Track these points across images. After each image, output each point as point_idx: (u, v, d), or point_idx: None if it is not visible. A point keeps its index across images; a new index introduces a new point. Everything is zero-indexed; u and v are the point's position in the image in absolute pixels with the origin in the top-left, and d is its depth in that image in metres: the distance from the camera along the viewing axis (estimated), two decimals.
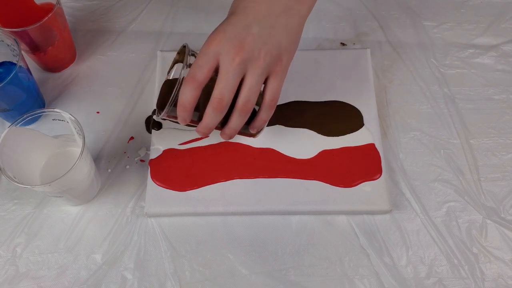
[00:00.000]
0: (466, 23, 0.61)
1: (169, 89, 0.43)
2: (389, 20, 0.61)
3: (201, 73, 0.39)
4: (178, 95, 0.41)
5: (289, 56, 0.42)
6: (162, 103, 0.44)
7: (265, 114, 0.43)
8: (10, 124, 0.44)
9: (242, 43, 0.39)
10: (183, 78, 0.41)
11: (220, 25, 0.41)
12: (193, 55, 0.43)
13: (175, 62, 0.46)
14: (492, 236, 0.49)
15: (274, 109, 0.43)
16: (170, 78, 0.46)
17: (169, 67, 0.47)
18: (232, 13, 0.41)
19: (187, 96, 0.39)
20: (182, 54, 0.43)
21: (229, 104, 0.40)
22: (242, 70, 0.39)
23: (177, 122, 0.43)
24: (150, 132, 0.54)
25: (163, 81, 0.47)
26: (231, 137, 0.45)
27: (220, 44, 0.39)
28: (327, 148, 0.52)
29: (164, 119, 0.45)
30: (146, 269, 0.47)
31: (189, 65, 0.42)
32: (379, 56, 0.59)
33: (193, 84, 0.39)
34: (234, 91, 0.40)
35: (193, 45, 0.59)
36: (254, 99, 0.40)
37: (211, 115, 0.40)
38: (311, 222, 0.50)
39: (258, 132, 0.46)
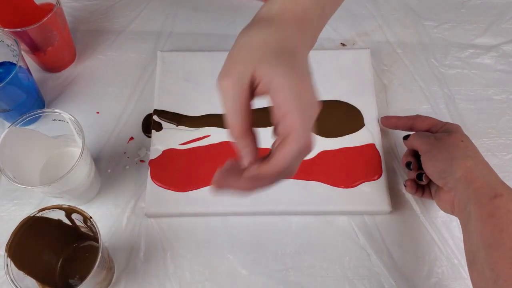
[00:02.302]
0: (466, 23, 0.61)
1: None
2: (389, 20, 0.61)
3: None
4: None
5: None
6: None
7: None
8: (10, 124, 0.44)
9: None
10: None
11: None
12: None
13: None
14: None
15: None
16: (39, 215, 0.41)
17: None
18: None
19: (294, 162, 0.32)
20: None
21: None
22: None
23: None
24: (146, 133, 0.54)
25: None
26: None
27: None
28: (327, 149, 0.52)
29: None
30: (146, 269, 0.47)
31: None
32: (379, 56, 0.59)
33: (308, 151, 0.32)
34: None
35: (193, 45, 0.60)
36: None
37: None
38: (311, 222, 0.49)
39: None
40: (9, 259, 0.38)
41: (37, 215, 0.40)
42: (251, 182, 0.32)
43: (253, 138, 0.34)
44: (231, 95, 0.32)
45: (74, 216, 0.42)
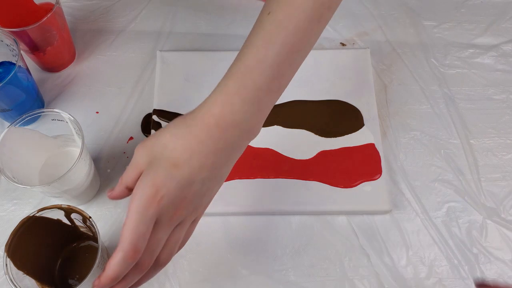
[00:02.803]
0: (466, 23, 0.61)
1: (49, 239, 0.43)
2: (389, 20, 0.61)
3: (144, 244, 0.33)
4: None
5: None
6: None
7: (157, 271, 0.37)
8: (9, 124, 0.44)
9: (183, 202, 0.34)
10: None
11: (160, 178, 0.33)
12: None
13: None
14: (492, 237, 0.49)
15: None
16: (39, 215, 0.40)
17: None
18: (174, 164, 0.33)
19: (123, 269, 0.33)
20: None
21: None
22: (175, 224, 0.35)
23: None
24: (146, 133, 0.54)
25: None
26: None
27: (162, 202, 0.33)
28: (326, 149, 0.51)
29: None
30: None
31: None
32: (379, 56, 0.59)
33: (135, 258, 0.33)
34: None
35: (193, 45, 0.60)
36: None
37: (134, 277, 0.35)
38: (311, 222, 0.49)
39: None
40: (8, 259, 0.38)
41: (37, 214, 0.40)
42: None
43: None
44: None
45: (73, 216, 0.42)
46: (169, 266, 0.47)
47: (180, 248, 0.37)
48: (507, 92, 0.57)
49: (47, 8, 0.51)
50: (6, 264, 0.38)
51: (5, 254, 0.39)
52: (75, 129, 0.45)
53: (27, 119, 0.44)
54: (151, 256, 0.34)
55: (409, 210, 0.50)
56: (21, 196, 0.51)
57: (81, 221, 0.42)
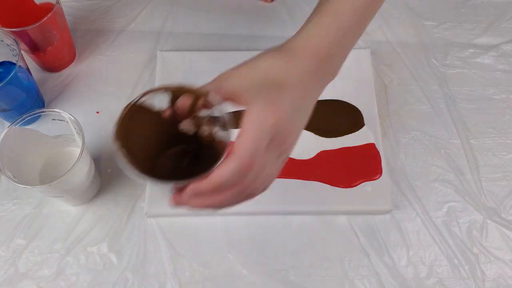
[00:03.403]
0: (466, 23, 0.61)
1: (158, 129, 0.36)
2: (389, 20, 0.61)
3: (257, 160, 0.31)
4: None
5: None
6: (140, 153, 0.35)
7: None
8: (9, 124, 0.44)
9: (291, 128, 0.33)
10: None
11: (276, 97, 0.32)
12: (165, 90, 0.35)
13: (164, 90, 0.36)
14: (493, 236, 0.49)
15: None
16: (140, 103, 0.36)
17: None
18: (282, 84, 0.33)
19: (230, 182, 0.31)
20: (183, 92, 0.35)
21: None
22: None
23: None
24: None
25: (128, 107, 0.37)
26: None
27: (276, 128, 0.32)
28: (327, 149, 0.51)
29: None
30: (146, 270, 0.47)
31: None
32: (379, 56, 0.59)
33: (248, 170, 0.31)
34: None
35: (193, 45, 0.60)
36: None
37: (234, 199, 0.34)
38: (311, 222, 0.49)
39: None
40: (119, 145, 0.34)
41: (141, 99, 0.35)
42: (195, 198, 0.33)
43: None
44: None
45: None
46: (169, 265, 0.47)
47: (265, 187, 0.35)
48: (507, 92, 0.57)
49: (48, 8, 0.51)
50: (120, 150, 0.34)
51: (116, 141, 0.34)
52: (75, 129, 0.45)
53: (27, 119, 0.44)
54: (255, 179, 0.32)
55: (409, 210, 0.50)
56: (21, 196, 0.51)
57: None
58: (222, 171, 0.31)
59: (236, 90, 0.33)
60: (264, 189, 0.35)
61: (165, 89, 0.35)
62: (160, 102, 0.36)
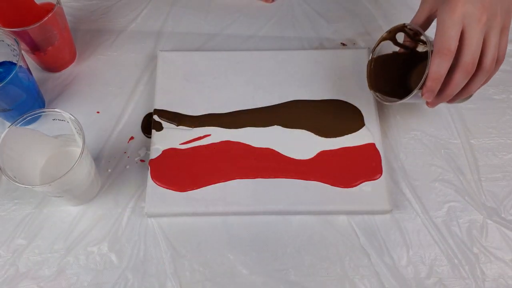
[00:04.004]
0: None
1: (394, 67, 0.50)
2: (389, 20, 0.61)
3: (454, 43, 0.40)
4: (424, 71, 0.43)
5: None
6: (388, 83, 0.50)
7: (497, 69, 0.44)
8: (10, 124, 0.44)
9: (483, 3, 0.40)
10: (430, 52, 0.43)
11: None
12: (403, 30, 0.48)
13: (383, 39, 0.49)
14: (493, 236, 0.49)
15: None
16: (375, 56, 0.50)
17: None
18: None
19: (442, 67, 0.41)
20: (393, 32, 0.48)
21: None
22: (485, 30, 0.41)
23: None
24: (146, 133, 0.54)
25: (368, 61, 0.50)
26: (446, 99, 0.45)
27: (464, 9, 0.40)
28: (327, 149, 0.52)
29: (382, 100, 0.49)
30: (146, 269, 0.47)
31: (402, 45, 0.49)
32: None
33: (449, 56, 0.41)
34: (480, 52, 0.41)
35: (193, 45, 0.60)
36: (497, 56, 0.42)
37: (461, 79, 0.42)
38: (311, 222, 0.49)
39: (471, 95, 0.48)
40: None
41: (374, 53, 0.49)
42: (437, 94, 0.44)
43: None
44: None
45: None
46: (170, 265, 0.47)
47: (500, 59, 0.43)
48: (507, 92, 0.57)
49: (48, 8, 0.51)
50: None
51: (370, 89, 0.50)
52: (76, 128, 0.45)
53: (28, 119, 0.44)
54: (473, 56, 0.40)
55: (409, 210, 0.50)
56: (22, 196, 0.51)
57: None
58: (431, 67, 0.42)
59: (426, 11, 0.45)
60: (493, 60, 0.42)
61: (382, 39, 0.49)
62: (381, 47, 0.50)
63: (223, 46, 0.60)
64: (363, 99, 0.54)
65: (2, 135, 0.43)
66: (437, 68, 0.41)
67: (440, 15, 0.41)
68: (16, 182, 0.41)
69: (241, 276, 0.47)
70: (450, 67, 0.42)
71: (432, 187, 0.51)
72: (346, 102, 0.54)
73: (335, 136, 0.52)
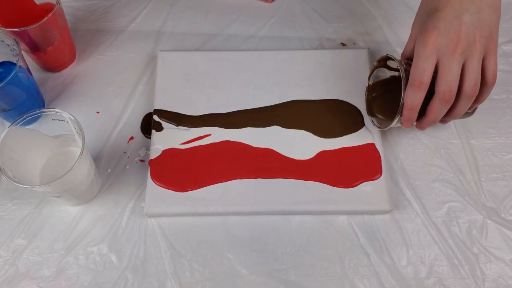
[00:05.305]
0: None
1: (393, 89, 0.49)
2: (389, 20, 0.61)
3: (427, 76, 0.42)
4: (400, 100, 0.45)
5: (497, 31, 0.44)
6: (382, 110, 0.52)
7: (489, 90, 0.45)
8: (10, 124, 0.44)
9: (458, 34, 0.41)
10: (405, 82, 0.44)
11: (428, 23, 0.42)
12: (390, 59, 0.48)
13: (375, 68, 0.51)
14: (493, 236, 0.49)
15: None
16: (371, 83, 0.52)
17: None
18: (435, 9, 0.42)
19: (416, 98, 0.43)
20: (383, 61, 0.50)
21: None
22: (462, 59, 0.41)
23: (379, 127, 0.51)
24: (146, 134, 0.54)
25: (366, 88, 0.52)
26: (431, 124, 0.47)
27: (437, 41, 0.41)
28: (327, 149, 0.52)
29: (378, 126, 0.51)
30: (146, 269, 0.47)
31: (395, 69, 0.50)
32: (379, 56, 0.58)
33: (421, 88, 0.42)
34: (458, 80, 0.42)
35: (193, 45, 0.60)
36: (479, 81, 0.43)
37: (440, 107, 0.43)
38: (311, 222, 0.49)
39: (474, 110, 0.49)
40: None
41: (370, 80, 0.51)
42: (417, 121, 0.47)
43: None
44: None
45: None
46: (170, 265, 0.47)
47: (490, 81, 0.44)
48: (507, 92, 0.57)
49: (48, 8, 0.51)
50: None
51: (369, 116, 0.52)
52: (75, 129, 0.45)
53: (27, 119, 0.44)
54: (448, 85, 0.41)
55: (409, 210, 0.50)
56: (21, 196, 0.51)
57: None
58: (405, 97, 0.44)
59: (412, 40, 0.45)
60: (474, 85, 0.43)
61: (374, 67, 0.51)
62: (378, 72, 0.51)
63: (223, 46, 0.60)
64: (363, 99, 0.54)
65: (2, 135, 0.43)
66: (411, 99, 0.43)
67: (416, 48, 0.43)
68: (16, 182, 0.41)
69: (241, 276, 0.47)
70: (431, 95, 0.43)
71: (432, 187, 0.51)
72: (346, 102, 0.54)
73: (335, 136, 0.52)
